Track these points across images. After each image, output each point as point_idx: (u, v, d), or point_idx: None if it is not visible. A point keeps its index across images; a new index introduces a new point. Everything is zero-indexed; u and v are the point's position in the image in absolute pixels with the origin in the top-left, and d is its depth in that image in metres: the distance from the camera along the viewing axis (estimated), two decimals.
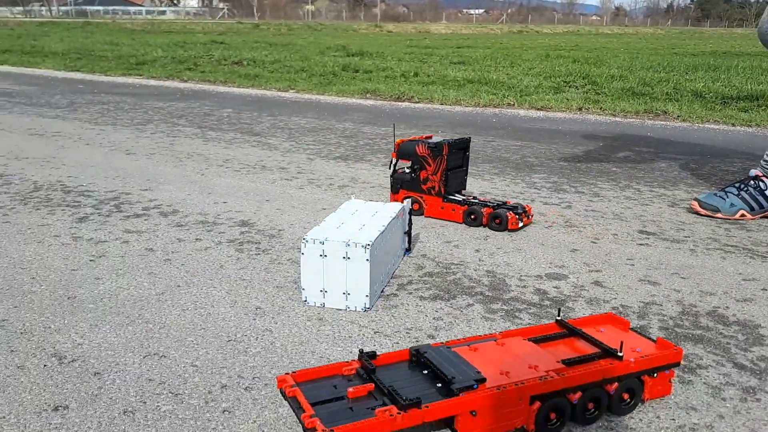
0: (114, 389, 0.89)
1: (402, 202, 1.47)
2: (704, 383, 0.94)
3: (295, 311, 1.15)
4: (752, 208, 1.75)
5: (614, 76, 5.20)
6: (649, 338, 0.93)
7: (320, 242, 1.13)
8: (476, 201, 1.70)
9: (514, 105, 4.16)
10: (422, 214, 1.75)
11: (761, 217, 1.77)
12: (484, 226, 1.66)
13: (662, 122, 3.62)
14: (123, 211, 1.72)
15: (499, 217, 1.62)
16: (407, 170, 1.76)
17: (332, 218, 1.27)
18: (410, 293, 1.24)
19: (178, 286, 1.25)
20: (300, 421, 0.72)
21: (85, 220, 1.64)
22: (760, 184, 1.76)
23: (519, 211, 1.63)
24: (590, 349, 0.88)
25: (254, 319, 1.12)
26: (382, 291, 1.25)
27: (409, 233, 1.43)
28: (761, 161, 1.81)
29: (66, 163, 2.29)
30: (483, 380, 0.77)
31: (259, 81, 5.32)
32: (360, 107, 4.12)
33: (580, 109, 3.99)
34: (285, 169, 2.27)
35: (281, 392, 0.78)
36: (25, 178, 2.06)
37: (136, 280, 1.26)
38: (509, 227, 1.62)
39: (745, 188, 1.76)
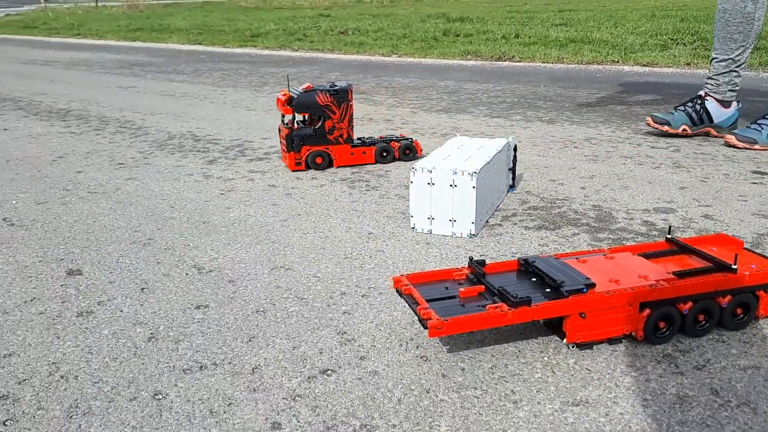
0: (246, 293, 1.01)
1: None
2: None
3: (404, 236, 1.22)
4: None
5: None
6: (765, 257, 0.90)
7: (428, 171, 1.19)
8: (378, 140, 1.74)
9: (618, 62, 3.97)
10: (331, 166, 1.70)
11: None
12: (396, 160, 1.74)
13: None
14: (247, 155, 1.87)
15: (409, 148, 1.75)
16: (302, 124, 1.67)
17: (439, 151, 1.31)
18: (515, 224, 1.27)
19: (299, 214, 1.36)
20: (416, 313, 0.78)
21: (214, 162, 1.80)
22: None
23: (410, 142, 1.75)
24: (702, 264, 0.87)
25: (367, 242, 1.20)
26: (487, 221, 1.28)
27: (513, 170, 1.45)
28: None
29: (194, 117, 2.51)
30: (592, 285, 0.80)
31: (364, 48, 5.42)
32: (461, 67, 4.10)
33: (688, 64, 3.75)
34: (390, 121, 2.34)
35: (397, 291, 0.85)
36: (160, 129, 2.29)
37: (262, 210, 1.39)
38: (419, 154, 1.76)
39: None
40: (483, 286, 0.82)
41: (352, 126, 1.68)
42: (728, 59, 1.86)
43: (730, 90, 1.90)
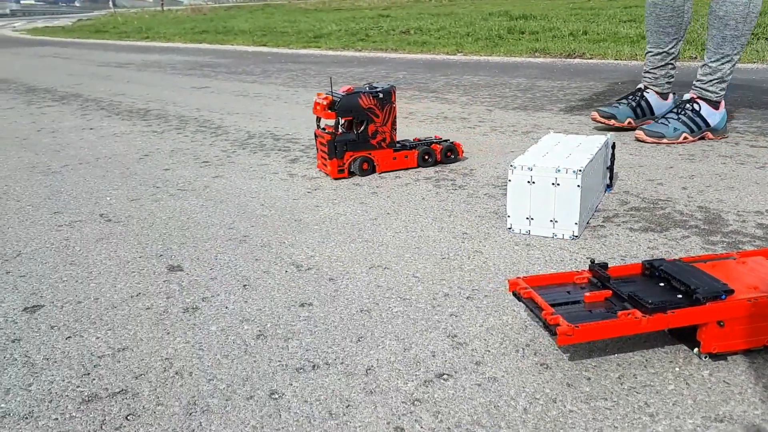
0: (348, 292, 0.99)
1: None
2: None
3: (501, 237, 1.18)
4: (692, 130, 1.83)
5: None
6: None
7: (528, 168, 1.14)
8: (417, 142, 1.67)
9: (696, 58, 3.78)
10: (374, 172, 1.61)
11: (699, 139, 1.85)
12: (438, 163, 1.67)
13: None
14: None
15: (451, 150, 1.68)
16: (342, 129, 1.56)
17: (535, 148, 1.27)
18: (618, 225, 1.21)
19: (388, 213, 1.33)
20: (540, 319, 0.74)
21: (297, 161, 1.81)
22: (695, 106, 1.83)
23: (450, 144, 1.68)
24: None
25: (463, 242, 1.16)
26: (588, 222, 1.23)
27: (611, 168, 1.39)
28: (694, 84, 1.85)
29: (270, 117, 2.53)
30: (731, 291, 0.74)
31: (427, 47, 5.39)
32: (530, 65, 4.01)
33: None
34: (466, 119, 2.30)
35: (514, 294, 0.81)
36: (239, 128, 2.32)
37: (351, 208, 1.38)
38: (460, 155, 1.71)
39: (683, 112, 1.84)
40: (609, 291, 0.78)
41: (395, 129, 1.60)
42: (663, 52, 1.92)
43: (667, 82, 1.96)
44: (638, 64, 3.73)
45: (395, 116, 1.58)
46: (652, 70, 1.95)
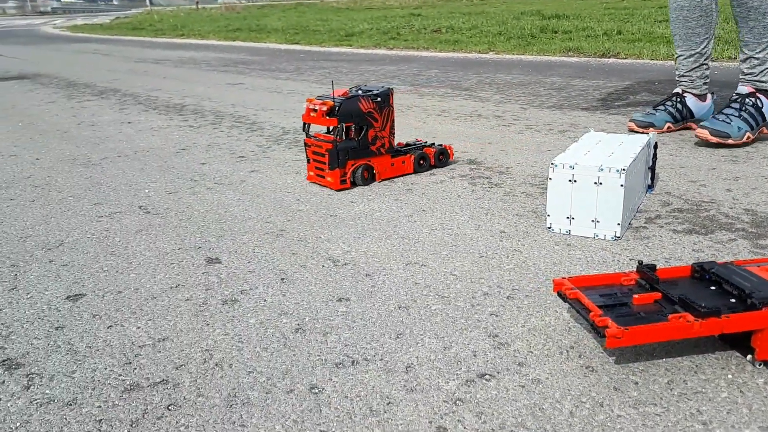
0: (386, 288, 0.98)
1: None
2: None
3: (541, 236, 1.16)
4: (752, 128, 1.74)
5: None
6: None
7: (570, 166, 1.12)
8: (410, 146, 1.61)
9: (734, 58, 3.67)
10: (373, 180, 1.51)
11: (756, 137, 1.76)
12: (432, 167, 1.62)
13: None
14: None
15: (443, 153, 1.63)
16: (338, 136, 1.44)
17: (576, 147, 1.24)
18: (661, 227, 1.18)
19: (423, 210, 1.32)
20: (588, 321, 0.72)
21: None
22: (757, 101, 1.74)
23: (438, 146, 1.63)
24: None
25: (501, 240, 1.15)
26: (630, 223, 1.20)
27: (653, 169, 1.35)
28: (743, 78, 1.79)
29: None
30: None
31: (459, 45, 5.35)
32: (564, 64, 3.95)
33: None
34: (500, 117, 2.27)
35: (559, 294, 0.79)
36: (274, 124, 2.33)
37: (385, 204, 1.37)
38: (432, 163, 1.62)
39: (744, 108, 1.73)
40: (659, 293, 0.75)
41: (394, 134, 1.51)
42: (695, 53, 1.88)
43: (704, 83, 1.93)
44: (674, 65, 3.65)
45: (393, 119, 1.50)
46: (687, 74, 1.92)
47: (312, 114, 1.43)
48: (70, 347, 0.84)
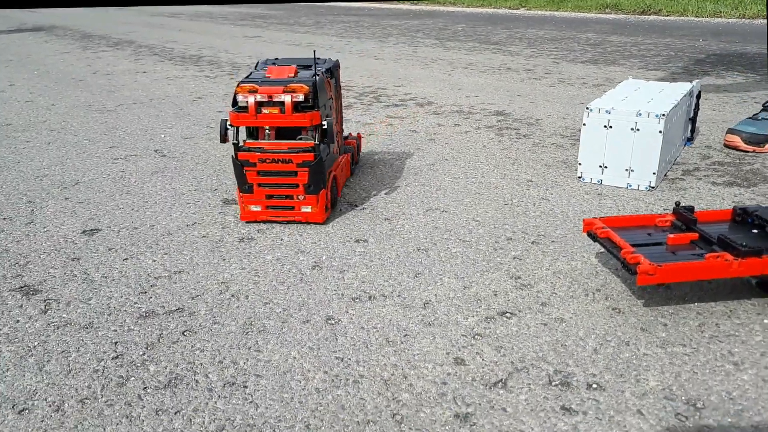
0: (404, 231, 0.95)
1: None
2: None
3: (570, 186, 1.12)
4: None
5: None
6: None
7: (606, 111, 1.06)
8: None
9: None
10: (336, 201, 1.06)
11: None
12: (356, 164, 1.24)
13: None
14: (382, 101, 1.82)
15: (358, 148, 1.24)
16: (312, 137, 0.96)
17: (613, 93, 1.18)
18: (699, 179, 1.13)
19: (446, 159, 1.28)
20: (618, 258, 0.69)
21: (350, 107, 1.76)
22: None
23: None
24: None
25: (527, 189, 1.11)
26: (665, 175, 1.14)
27: (693, 120, 1.29)
28: None
29: None
30: None
31: (488, 0, 5.20)
32: (600, 20, 3.81)
33: None
34: (531, 70, 2.20)
35: (589, 234, 0.76)
36: None
37: (406, 153, 1.33)
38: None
39: None
40: (695, 234, 0.71)
41: (341, 123, 1.14)
42: None
43: None
44: (721, 22, 3.49)
45: (341, 104, 1.14)
46: None
47: (268, 110, 0.92)
48: (86, 276, 0.83)
